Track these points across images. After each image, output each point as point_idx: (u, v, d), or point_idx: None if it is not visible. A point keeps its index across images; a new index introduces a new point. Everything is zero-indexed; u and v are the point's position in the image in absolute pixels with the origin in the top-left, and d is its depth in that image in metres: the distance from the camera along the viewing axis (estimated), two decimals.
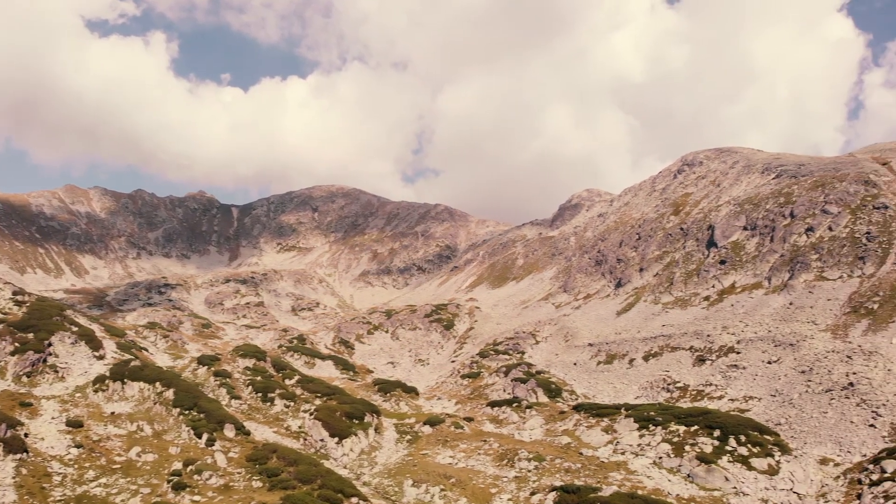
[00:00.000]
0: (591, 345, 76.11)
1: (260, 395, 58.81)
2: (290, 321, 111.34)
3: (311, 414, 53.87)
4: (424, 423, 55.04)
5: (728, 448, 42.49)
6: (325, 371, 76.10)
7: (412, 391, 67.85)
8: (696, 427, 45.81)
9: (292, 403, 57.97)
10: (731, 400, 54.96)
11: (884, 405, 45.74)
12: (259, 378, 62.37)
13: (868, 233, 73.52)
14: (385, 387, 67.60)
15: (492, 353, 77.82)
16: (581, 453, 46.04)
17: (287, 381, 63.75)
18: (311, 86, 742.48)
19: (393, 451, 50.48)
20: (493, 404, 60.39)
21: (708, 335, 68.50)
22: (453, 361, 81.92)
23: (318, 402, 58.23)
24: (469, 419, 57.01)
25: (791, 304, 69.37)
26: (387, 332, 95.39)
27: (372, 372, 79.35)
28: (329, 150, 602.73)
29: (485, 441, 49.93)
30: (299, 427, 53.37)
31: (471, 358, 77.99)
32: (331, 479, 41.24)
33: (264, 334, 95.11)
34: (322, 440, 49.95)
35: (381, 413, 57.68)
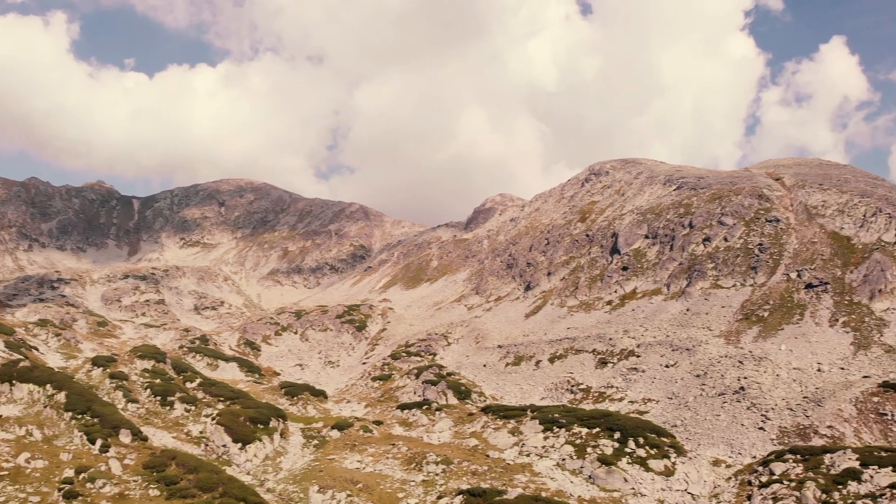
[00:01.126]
0: (500, 346, 77.32)
1: (159, 398, 56.27)
2: (193, 321, 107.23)
3: (213, 419, 52.04)
4: (332, 428, 54.24)
5: (627, 450, 44.13)
6: (229, 373, 73.69)
7: (321, 394, 66.75)
8: (597, 429, 47.34)
9: (193, 407, 55.77)
10: (631, 402, 57.16)
11: (772, 409, 48.74)
12: (158, 380, 59.67)
13: (760, 244, 78.29)
14: (292, 390, 66.16)
15: (403, 354, 77.68)
16: (488, 455, 46.61)
17: (188, 384, 61.28)
18: (221, 75, 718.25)
19: (299, 457, 49.47)
20: (403, 407, 60.26)
21: (610, 338, 70.98)
22: (364, 363, 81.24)
23: (220, 406, 56.28)
24: (378, 423, 56.63)
25: (688, 310, 72.94)
26: (296, 333, 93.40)
27: (279, 374, 77.52)
28: (238, 142, 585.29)
29: (393, 445, 49.71)
30: (200, 432, 51.42)
31: (382, 360, 77.58)
32: (233, 486, 39.95)
33: (165, 334, 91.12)
34: (224, 446, 48.34)
35: (288, 417, 56.41)
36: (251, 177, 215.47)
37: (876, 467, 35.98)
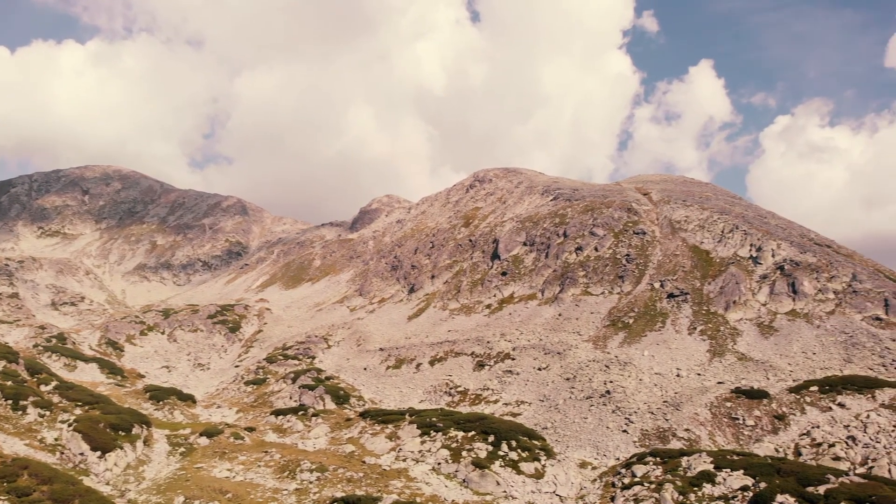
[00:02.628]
0: (381, 349, 77.09)
1: (10, 402, 51.37)
2: (50, 317, 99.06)
3: (69, 425, 48.22)
4: (201, 434, 51.83)
5: (501, 453, 45.28)
6: (89, 375, 68.67)
7: (189, 399, 63.62)
8: (473, 432, 48.25)
9: (48, 412, 51.40)
10: (506, 404, 58.77)
11: (635, 412, 51.68)
12: (9, 382, 54.50)
13: (628, 255, 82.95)
14: (158, 394, 62.63)
15: (280, 357, 75.61)
16: (364, 462, 46.27)
17: (43, 387, 56.46)
18: (91, 53, 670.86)
19: (164, 465, 46.87)
20: (277, 413, 58.58)
21: (488, 342, 72.65)
22: (237, 366, 78.30)
23: (78, 411, 52.27)
24: (251, 429, 54.75)
25: (560, 315, 76.01)
26: (163, 333, 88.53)
27: (144, 377, 73.10)
28: (106, 125, 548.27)
29: (266, 452, 48.24)
30: (56, 439, 47.46)
31: (257, 363, 75.09)
32: (91, 498, 37.22)
33: (17, 331, 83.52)
34: (82, 454, 44.92)
35: (153, 423, 53.32)
36: (119, 164, 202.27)
37: (728, 470, 38.98)
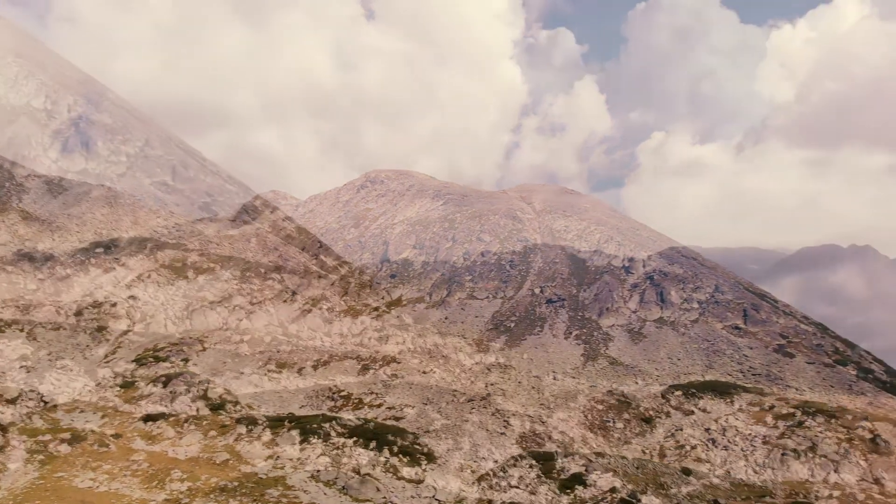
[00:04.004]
0: (261, 352, 74.86)
1: None
2: None
3: None
4: (62, 441, 48.26)
5: (382, 458, 45.26)
6: None
7: (50, 402, 59.03)
8: (354, 438, 47.92)
9: None
10: (389, 408, 58.78)
11: (514, 415, 53.28)
12: None
13: (511, 261, 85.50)
14: (15, 397, 57.60)
15: (151, 360, 71.59)
16: (240, 470, 44.80)
17: None
18: None
19: (21, 475, 43.27)
20: (146, 418, 55.47)
21: (374, 345, 72.45)
22: (104, 368, 73.41)
23: None
24: (117, 436, 51.55)
25: (447, 318, 77.25)
26: (21, 330, 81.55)
27: None
28: None
29: (133, 460, 45.64)
30: None
31: (125, 365, 70.77)
32: None
33: None
34: None
35: (8, 429, 49.10)
36: None
37: (599, 472, 41.04)
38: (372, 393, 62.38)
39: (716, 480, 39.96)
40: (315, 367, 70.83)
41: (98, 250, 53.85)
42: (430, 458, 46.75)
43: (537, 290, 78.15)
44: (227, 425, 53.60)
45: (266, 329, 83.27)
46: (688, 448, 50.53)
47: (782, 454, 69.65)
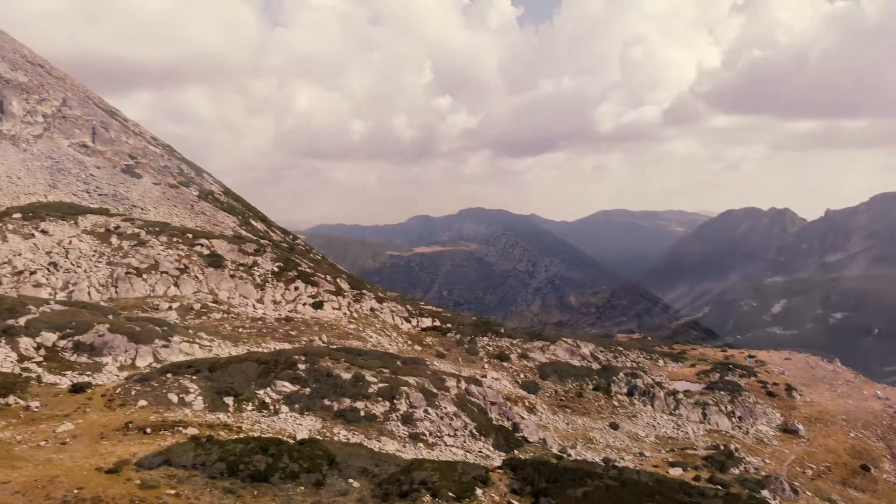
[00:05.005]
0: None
1: None
2: None
3: None
4: None
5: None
6: None
7: None
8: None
9: None
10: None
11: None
12: None
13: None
14: None
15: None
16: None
17: None
18: None
19: None
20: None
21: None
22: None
23: None
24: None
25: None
26: None
27: None
28: None
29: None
30: None
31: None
32: None
33: None
34: None
35: None
36: None
37: None
38: (307, 360, 62.08)
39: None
40: (248, 334, 69.82)
41: (16, 216, 50.60)
42: (368, 420, 47.25)
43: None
44: (157, 395, 52.45)
45: (195, 296, 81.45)
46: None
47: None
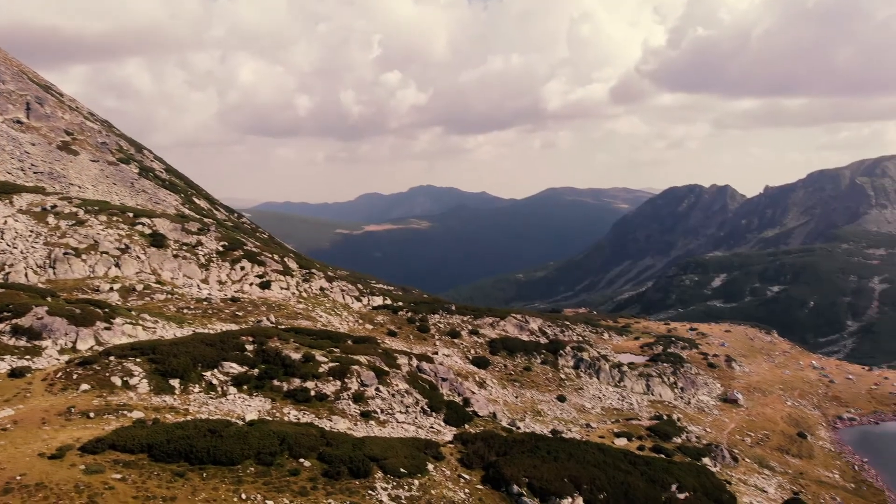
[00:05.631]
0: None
1: None
2: None
3: None
4: None
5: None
6: None
7: None
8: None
9: None
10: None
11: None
12: None
13: None
14: None
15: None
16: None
17: None
18: None
19: None
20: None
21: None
22: None
23: None
24: None
25: None
26: None
27: None
28: None
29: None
30: None
31: None
32: None
33: None
34: None
35: None
36: None
37: None
38: (255, 341, 61.30)
39: None
40: (193, 316, 68.49)
41: None
42: (318, 399, 47.12)
43: None
44: (100, 378, 51.09)
45: (138, 277, 79.28)
46: None
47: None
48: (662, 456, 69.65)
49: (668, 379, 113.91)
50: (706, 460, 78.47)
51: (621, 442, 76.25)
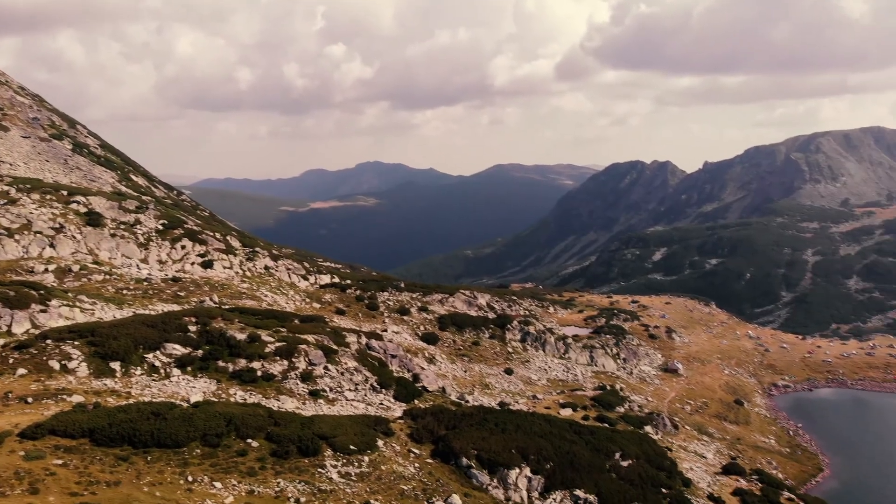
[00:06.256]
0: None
1: None
2: None
3: None
4: None
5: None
6: None
7: None
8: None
9: None
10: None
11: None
12: None
13: None
14: None
15: None
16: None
17: None
18: None
19: None
20: None
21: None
22: None
23: None
24: None
25: None
26: None
27: None
28: None
29: None
30: None
31: None
32: None
33: None
34: None
35: None
36: None
37: None
38: (198, 322, 60.13)
39: None
40: (133, 296, 66.67)
41: None
42: (266, 380, 46.66)
43: None
44: (38, 362, 49.36)
45: (74, 257, 76.52)
46: None
47: None
48: (606, 425, 71.78)
49: (611, 350, 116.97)
50: (648, 428, 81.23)
51: (567, 412, 78.17)
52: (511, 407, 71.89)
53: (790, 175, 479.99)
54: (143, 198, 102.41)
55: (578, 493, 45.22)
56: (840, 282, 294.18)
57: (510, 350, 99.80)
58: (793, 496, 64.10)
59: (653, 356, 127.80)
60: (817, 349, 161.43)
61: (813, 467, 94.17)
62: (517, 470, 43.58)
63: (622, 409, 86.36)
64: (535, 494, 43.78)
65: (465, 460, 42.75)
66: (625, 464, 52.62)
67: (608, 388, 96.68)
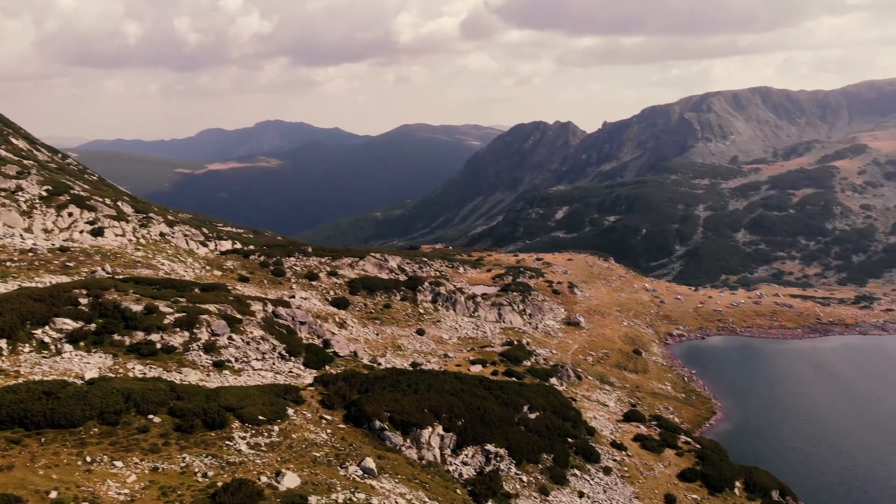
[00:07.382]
0: None
1: None
2: None
3: None
4: None
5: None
6: None
7: None
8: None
9: None
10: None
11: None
12: None
13: None
14: None
15: None
16: None
17: None
18: None
19: None
20: None
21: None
22: None
23: None
24: None
25: None
26: None
27: None
28: None
29: None
30: None
31: None
32: None
33: None
34: None
35: None
36: None
37: None
38: (90, 294, 56.73)
39: None
40: (18, 269, 62.01)
41: None
42: (166, 352, 44.72)
43: None
44: None
45: None
46: None
47: None
48: (514, 379, 73.89)
49: (518, 307, 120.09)
50: (553, 380, 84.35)
51: (476, 369, 79.84)
52: (423, 367, 72.59)
53: (684, 134, 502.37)
54: (25, 162, 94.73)
55: (489, 447, 46.47)
56: (729, 235, 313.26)
57: (422, 311, 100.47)
58: (689, 439, 68.45)
59: (556, 311, 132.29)
60: (709, 299, 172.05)
61: (706, 411, 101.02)
62: (430, 429, 44.17)
63: (529, 363, 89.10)
64: (448, 451, 44.62)
65: (377, 423, 42.87)
66: (532, 416, 54.45)
67: (515, 343, 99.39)
